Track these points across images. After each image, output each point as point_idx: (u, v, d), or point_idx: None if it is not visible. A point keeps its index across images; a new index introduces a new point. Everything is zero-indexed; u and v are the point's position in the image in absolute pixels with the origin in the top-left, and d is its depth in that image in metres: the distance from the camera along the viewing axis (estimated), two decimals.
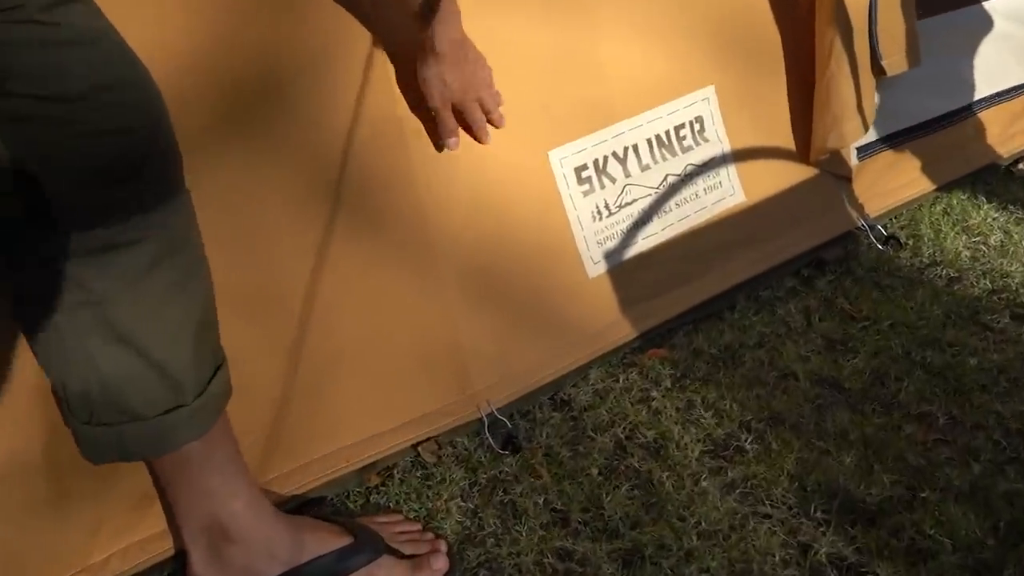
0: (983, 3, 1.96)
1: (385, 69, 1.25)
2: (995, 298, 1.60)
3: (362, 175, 1.26)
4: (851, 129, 1.66)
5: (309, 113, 1.22)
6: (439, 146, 1.25)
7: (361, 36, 1.23)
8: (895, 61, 1.69)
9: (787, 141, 1.71)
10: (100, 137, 0.75)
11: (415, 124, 1.29)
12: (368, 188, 1.27)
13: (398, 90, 1.26)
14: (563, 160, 1.45)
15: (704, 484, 1.24)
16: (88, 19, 0.77)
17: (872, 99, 1.68)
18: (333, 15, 1.21)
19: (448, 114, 1.16)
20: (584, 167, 1.47)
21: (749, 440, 1.32)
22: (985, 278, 1.65)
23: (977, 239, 1.77)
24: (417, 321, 1.32)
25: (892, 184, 1.84)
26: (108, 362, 0.79)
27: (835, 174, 1.75)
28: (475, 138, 1.23)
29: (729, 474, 1.26)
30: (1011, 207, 1.85)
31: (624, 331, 1.49)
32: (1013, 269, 1.66)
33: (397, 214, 1.30)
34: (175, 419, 0.85)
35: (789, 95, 1.70)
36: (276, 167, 1.20)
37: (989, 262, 1.69)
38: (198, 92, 1.14)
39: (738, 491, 1.23)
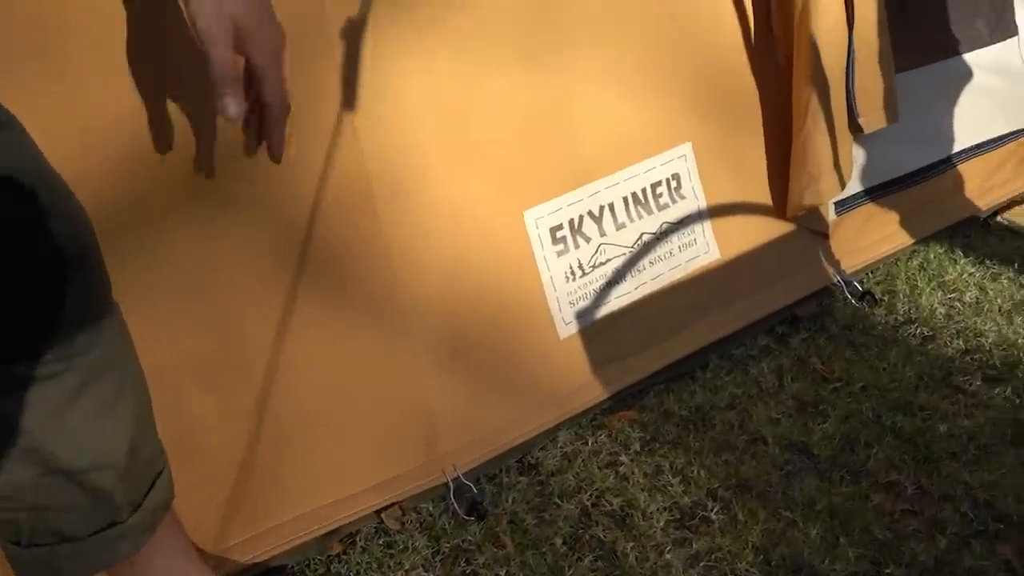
0: (963, 55, 1.96)
1: (354, 131, 1.25)
2: (968, 359, 1.60)
3: (329, 238, 1.25)
4: (827, 187, 1.66)
5: (276, 177, 1.21)
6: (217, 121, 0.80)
7: (329, 99, 1.23)
8: (872, 119, 1.69)
9: (764, 196, 1.71)
10: (20, 271, 0.74)
11: (384, 185, 1.29)
12: (335, 251, 1.27)
13: (367, 149, 1.27)
14: (538, 220, 1.45)
15: (668, 556, 1.24)
16: (8, 147, 0.74)
17: (849, 157, 1.68)
18: (300, 79, 1.21)
19: (227, 54, 0.74)
20: (559, 227, 1.47)
21: (715, 510, 1.31)
22: (959, 337, 1.65)
23: (953, 295, 1.77)
24: (384, 384, 1.32)
25: (869, 239, 1.84)
26: (36, 489, 0.78)
27: (812, 230, 1.75)
28: (263, 122, 0.80)
29: (694, 546, 1.25)
30: (988, 262, 1.85)
31: (594, 392, 1.48)
32: (987, 328, 1.66)
33: (365, 276, 1.29)
34: (109, 537, 0.84)
35: (767, 150, 1.70)
36: (241, 231, 1.19)
37: (963, 320, 1.69)
38: (163, 158, 1.13)
39: (702, 564, 1.23)
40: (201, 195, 1.17)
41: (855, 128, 1.67)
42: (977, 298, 1.75)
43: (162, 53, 1.11)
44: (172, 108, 1.13)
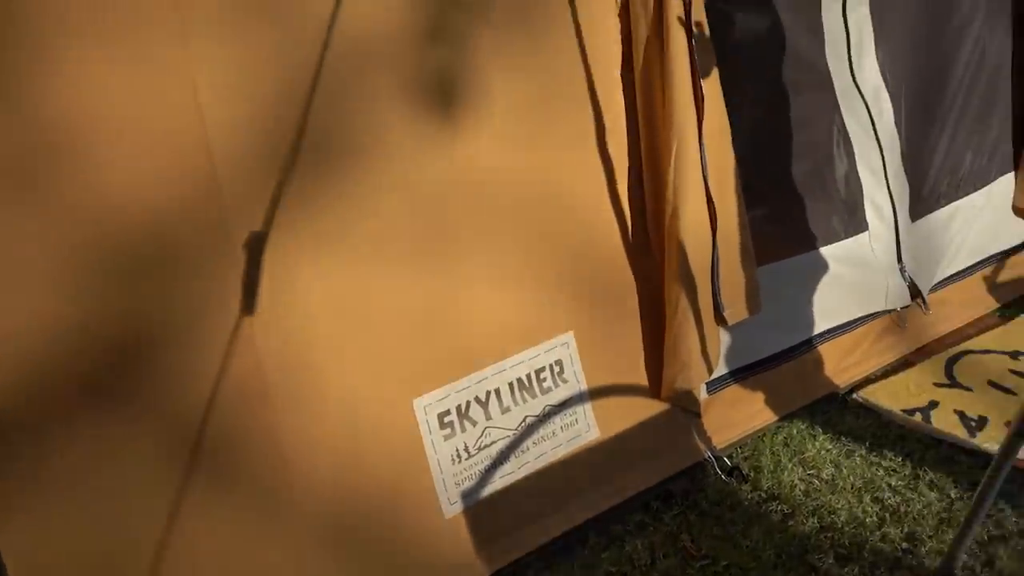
0: (820, 249, 2.20)
1: (252, 333, 1.34)
2: (822, 536, 1.74)
3: (222, 432, 1.33)
4: (697, 373, 1.82)
5: (173, 374, 1.29)
6: None
7: (230, 304, 1.33)
8: (735, 311, 1.88)
9: (641, 379, 1.86)
10: None
11: (279, 380, 1.38)
12: (228, 442, 1.34)
13: (263, 348, 1.36)
14: (427, 407, 1.55)
15: None
16: None
17: (717, 346, 1.86)
18: (201, 285, 1.31)
19: None
20: (447, 412, 1.57)
21: None
22: (814, 515, 1.79)
23: (811, 472, 1.93)
24: (270, 570, 1.37)
25: (738, 416, 2.00)
26: None
27: (685, 409, 1.90)
28: None
29: None
30: (843, 438, 2.03)
31: (477, 571, 1.56)
32: (840, 506, 1.81)
33: (256, 465, 1.37)
34: None
35: (643, 336, 1.86)
36: (136, 428, 1.26)
37: (820, 497, 1.84)
38: (62, 355, 1.21)
39: None
40: (99, 392, 1.24)
41: (720, 320, 1.85)
42: (833, 475, 1.91)
43: (48, 252, 1.19)
44: (75, 305, 1.21)
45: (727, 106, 1.84)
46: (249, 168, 1.35)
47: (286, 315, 1.37)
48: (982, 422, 2.04)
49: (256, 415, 1.35)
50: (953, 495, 1.82)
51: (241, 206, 1.34)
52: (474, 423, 1.61)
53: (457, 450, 1.58)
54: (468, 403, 1.60)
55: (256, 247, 1.33)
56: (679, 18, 1.71)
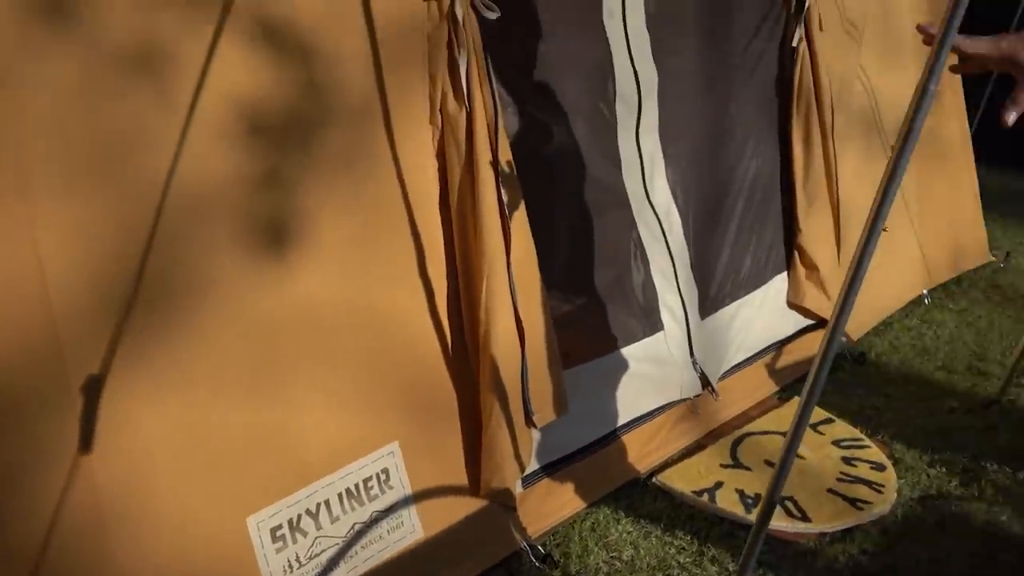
0: (621, 349, 2.49)
1: (90, 469, 1.44)
2: None
3: (58, 566, 1.41)
4: (510, 473, 2.04)
5: (8, 515, 1.37)
6: None
7: (67, 438, 1.42)
8: (544, 414, 2.12)
9: (461, 479, 2.05)
10: None
11: (115, 511, 1.47)
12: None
13: (101, 483, 1.45)
14: (260, 524, 1.68)
15: None
16: None
17: (528, 446, 2.09)
18: (37, 429, 1.40)
19: None
20: (279, 527, 1.70)
21: None
22: None
23: (614, 555, 2.18)
24: None
25: (551, 506, 2.23)
26: None
27: (502, 504, 2.11)
28: None
29: None
30: (643, 521, 2.30)
31: None
32: None
33: None
34: None
35: (463, 440, 2.06)
36: None
37: None
38: None
39: None
40: None
41: (531, 423, 2.09)
42: (632, 556, 2.17)
43: None
44: None
45: (542, 227, 2.10)
46: (88, 314, 1.46)
47: (124, 449, 1.48)
48: (758, 499, 2.36)
49: (92, 546, 1.43)
50: (731, 568, 2.11)
51: (79, 350, 1.44)
52: (305, 534, 1.74)
53: (289, 561, 1.71)
54: (299, 516, 1.74)
55: (93, 389, 1.43)
56: (489, 161, 1.96)
